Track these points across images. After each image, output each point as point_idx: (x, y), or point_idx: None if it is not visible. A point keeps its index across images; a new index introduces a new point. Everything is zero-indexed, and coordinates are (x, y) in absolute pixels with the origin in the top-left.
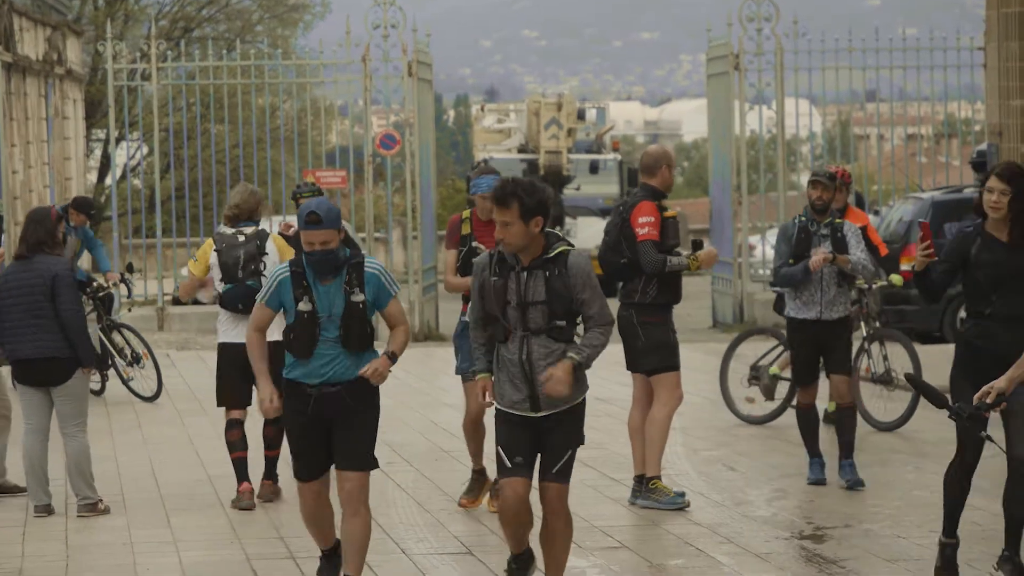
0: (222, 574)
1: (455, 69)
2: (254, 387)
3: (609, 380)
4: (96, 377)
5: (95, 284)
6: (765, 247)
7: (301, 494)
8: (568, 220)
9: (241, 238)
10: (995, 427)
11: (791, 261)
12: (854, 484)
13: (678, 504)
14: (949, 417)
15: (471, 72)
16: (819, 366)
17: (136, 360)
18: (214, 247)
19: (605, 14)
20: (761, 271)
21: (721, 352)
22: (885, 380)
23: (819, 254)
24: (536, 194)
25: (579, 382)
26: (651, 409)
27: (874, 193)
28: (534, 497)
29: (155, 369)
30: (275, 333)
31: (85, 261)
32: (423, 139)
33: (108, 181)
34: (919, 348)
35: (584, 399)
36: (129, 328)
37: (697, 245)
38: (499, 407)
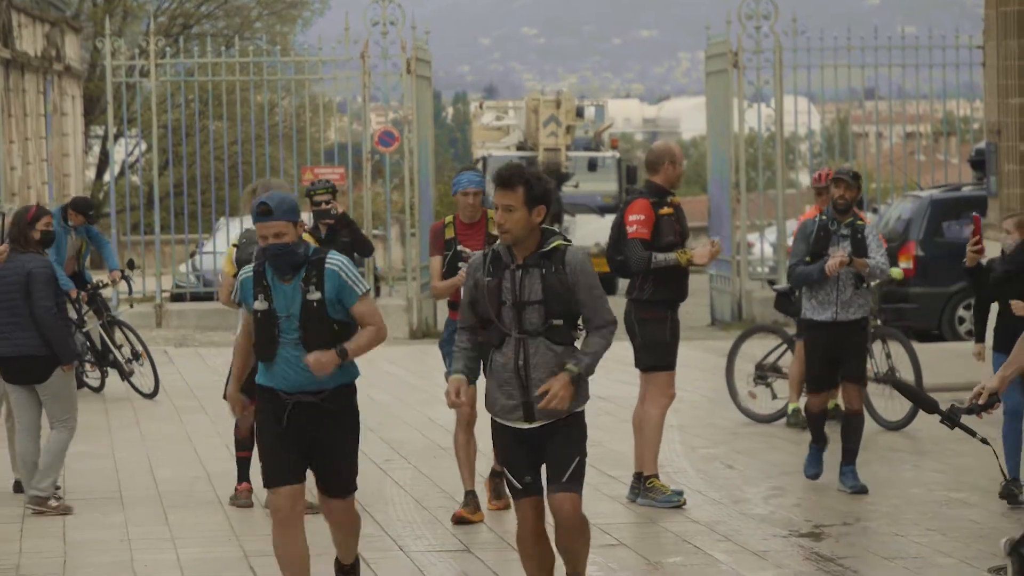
0: (220, 571)
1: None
2: None
3: (608, 378)
4: (96, 374)
5: (96, 282)
6: (764, 245)
7: (273, 503)
8: (567, 217)
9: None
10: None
11: (808, 260)
12: (857, 491)
13: (674, 502)
14: (941, 422)
15: (470, 69)
16: (834, 371)
17: (136, 356)
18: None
19: (604, 12)
20: (760, 269)
21: (719, 349)
22: (889, 379)
23: (835, 258)
24: (543, 182)
25: (579, 392)
26: (644, 407)
27: (873, 191)
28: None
29: (151, 367)
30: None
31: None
32: (422, 136)
33: (107, 178)
34: (918, 347)
35: (584, 411)
36: (126, 325)
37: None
38: (493, 417)
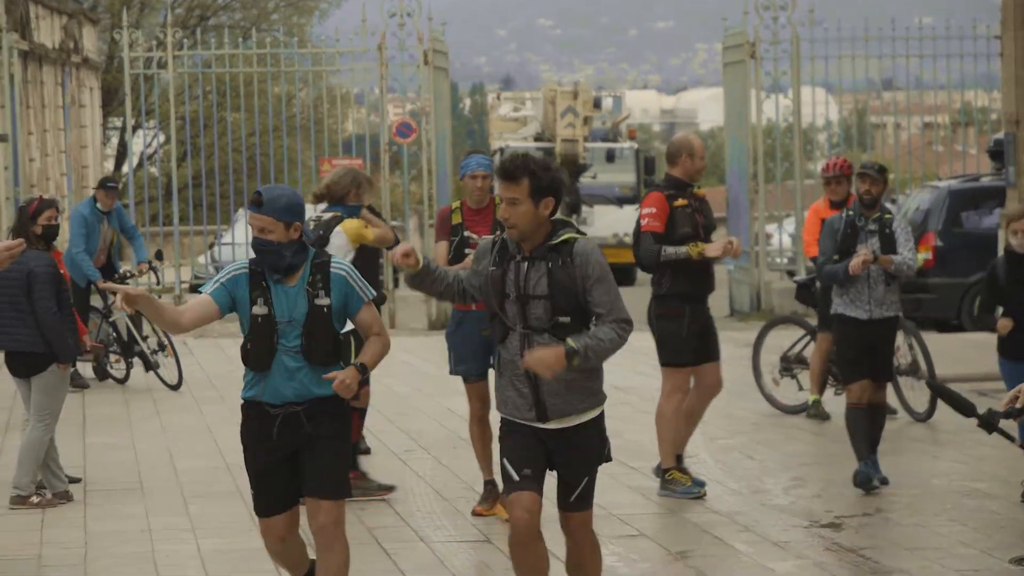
0: (240, 562)
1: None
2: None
3: (628, 369)
4: (121, 365)
5: (123, 272)
6: (782, 235)
7: (265, 534)
8: (584, 208)
9: (311, 224)
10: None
11: (835, 257)
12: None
13: (694, 493)
14: (979, 425)
15: (487, 61)
16: (867, 364)
17: (161, 348)
18: None
19: (620, 3)
20: (778, 259)
21: (738, 340)
22: (912, 371)
23: (859, 257)
24: (550, 172)
25: (590, 391)
26: (659, 402)
27: (891, 182)
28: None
29: (175, 358)
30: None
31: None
32: (439, 127)
33: (125, 169)
34: (937, 337)
35: (601, 414)
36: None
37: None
38: (503, 416)
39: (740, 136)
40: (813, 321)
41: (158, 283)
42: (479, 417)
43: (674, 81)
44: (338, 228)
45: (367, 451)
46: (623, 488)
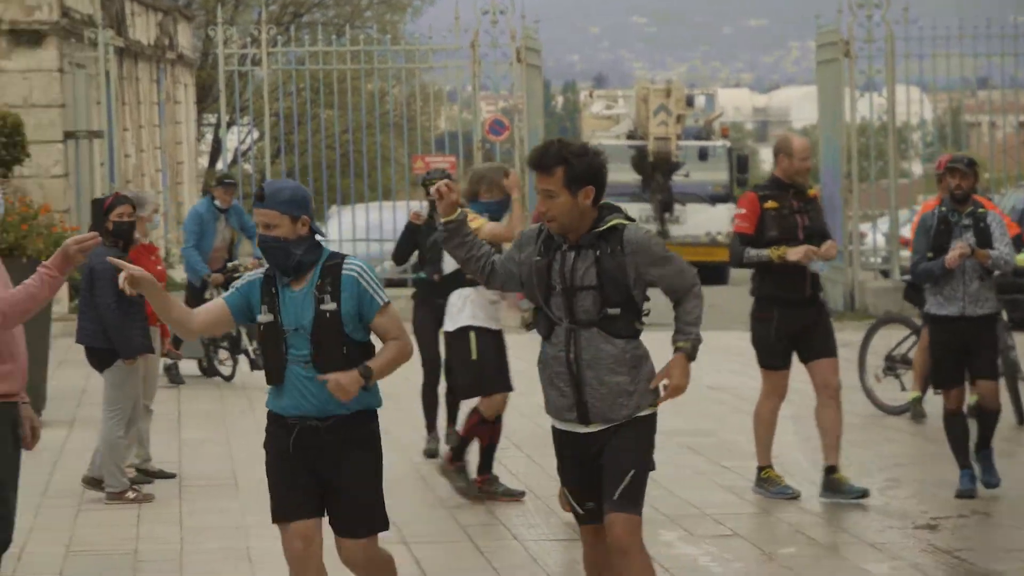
0: (329, 557)
1: (563, 55)
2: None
3: (720, 368)
4: (229, 362)
5: (232, 265)
6: (876, 235)
7: (284, 542)
8: (677, 207)
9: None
10: None
11: (929, 255)
12: (991, 485)
13: (788, 494)
14: None
15: (579, 59)
16: (961, 367)
17: None
18: None
19: (713, 1)
20: (872, 259)
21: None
22: (1012, 372)
23: (956, 249)
24: (586, 157)
25: (636, 393)
26: (757, 403)
27: (986, 181)
28: None
29: None
30: (466, 318)
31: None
32: (532, 125)
33: (219, 165)
34: None
35: (653, 415)
36: None
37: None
38: (551, 422)
39: (834, 135)
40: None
41: None
42: None
43: (767, 79)
44: None
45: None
46: (716, 487)
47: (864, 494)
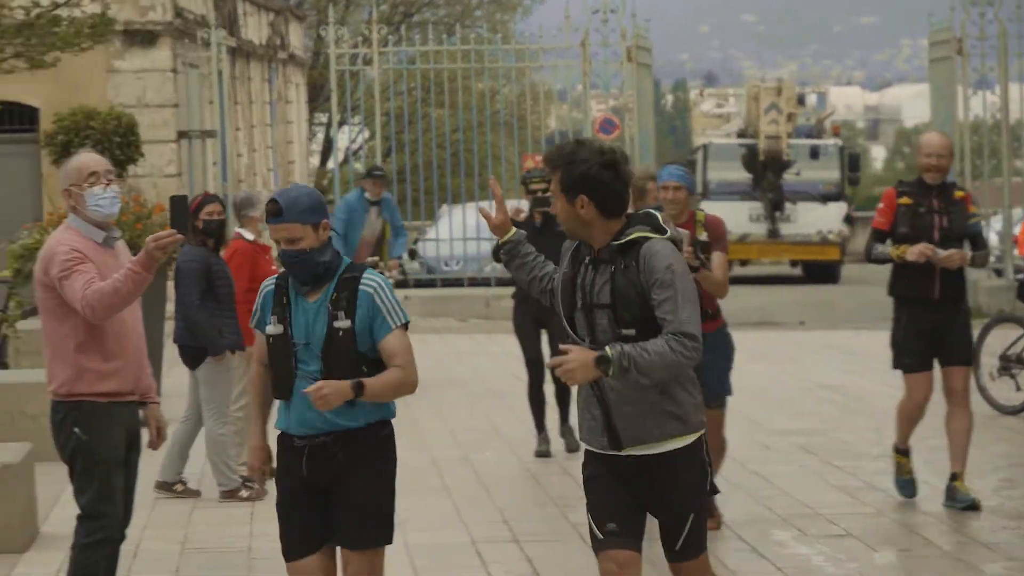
0: (447, 557)
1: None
2: None
3: (836, 368)
4: None
5: (371, 263)
6: (990, 233)
7: None
8: (788, 205)
9: None
10: None
11: None
12: None
13: (905, 491)
14: None
15: (689, 57)
16: None
17: None
18: None
19: None
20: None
21: None
22: None
23: None
24: (577, 166)
25: (670, 416)
26: None
27: None
28: None
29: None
30: None
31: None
32: (642, 124)
33: (330, 164)
34: None
35: (697, 444)
36: None
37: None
38: (585, 446)
39: (947, 133)
40: None
41: (404, 281)
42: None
43: (878, 77)
44: None
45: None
46: (829, 487)
47: (973, 506)
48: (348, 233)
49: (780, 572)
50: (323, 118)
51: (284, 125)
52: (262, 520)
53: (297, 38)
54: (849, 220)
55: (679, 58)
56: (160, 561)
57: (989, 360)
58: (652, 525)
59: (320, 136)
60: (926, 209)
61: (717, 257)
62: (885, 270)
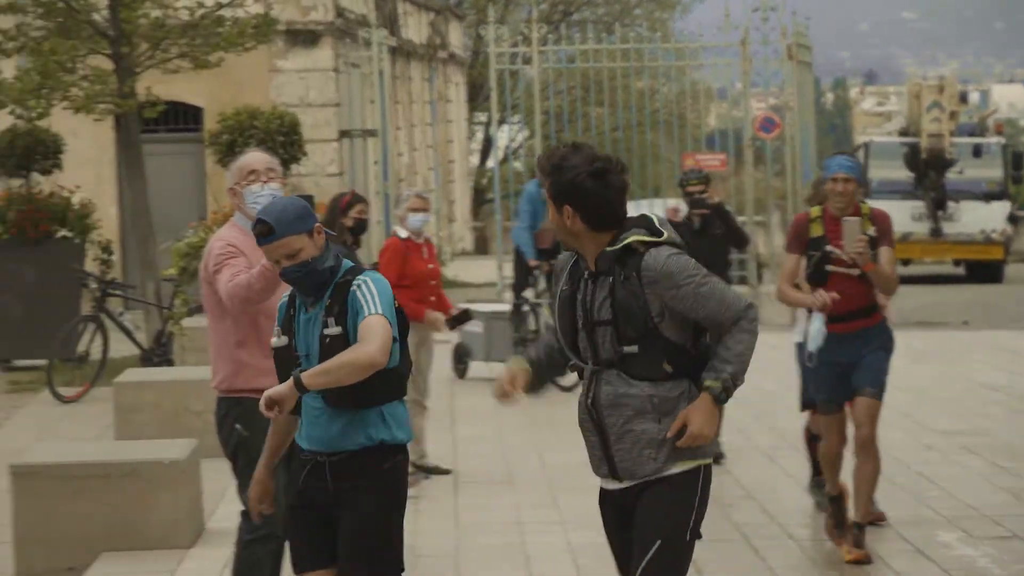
0: (608, 556)
1: (833, 52)
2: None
3: (999, 368)
4: None
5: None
6: None
7: None
8: (951, 204)
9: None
10: None
11: None
12: None
13: None
14: None
15: (849, 55)
16: None
17: None
18: None
19: None
20: None
21: None
22: None
23: None
24: (564, 174)
25: (669, 444)
26: None
27: None
28: None
29: None
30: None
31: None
32: (803, 122)
33: (489, 163)
34: None
35: (698, 469)
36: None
37: None
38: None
39: None
40: None
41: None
42: (835, 451)
43: None
44: None
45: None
46: (994, 488)
47: None
48: (534, 222)
49: (946, 574)
50: (482, 117)
51: (444, 124)
52: (425, 518)
53: (457, 37)
54: (1013, 219)
55: (839, 56)
56: None
57: None
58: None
59: (480, 135)
60: None
61: (885, 252)
62: None
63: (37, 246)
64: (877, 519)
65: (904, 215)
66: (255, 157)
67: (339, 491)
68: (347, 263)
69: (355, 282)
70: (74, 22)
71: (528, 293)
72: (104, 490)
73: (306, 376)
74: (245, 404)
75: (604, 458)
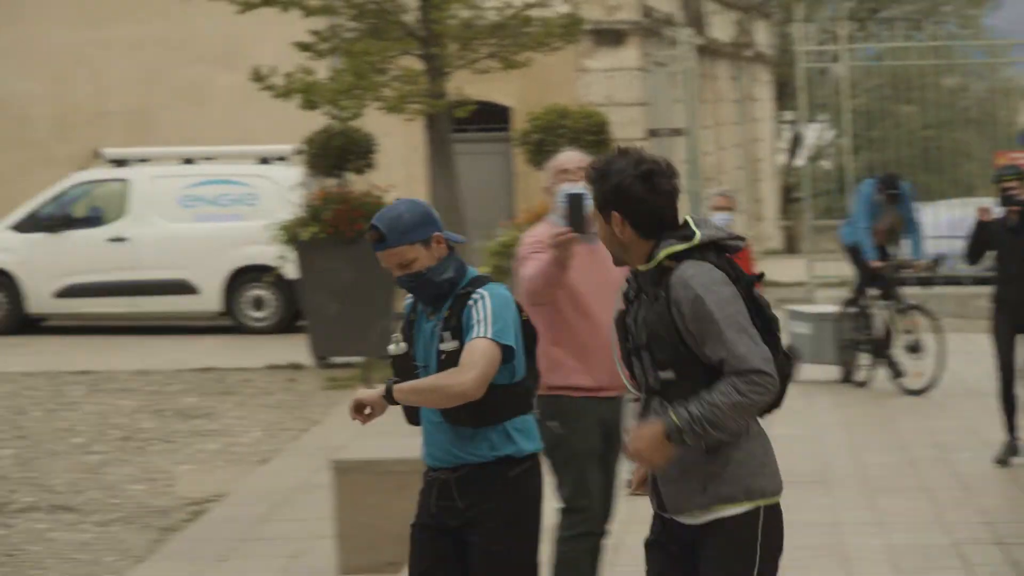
0: (927, 558)
1: None
2: None
3: None
4: (868, 366)
5: (899, 261)
6: None
7: None
8: None
9: None
10: None
11: None
12: None
13: None
14: None
15: None
16: None
17: (916, 348)
18: None
19: None
20: None
21: None
22: None
23: None
24: (610, 179)
25: (720, 480)
26: None
27: None
28: None
29: (937, 359)
30: None
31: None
32: None
33: (798, 163)
34: None
35: (759, 511)
36: (922, 310)
37: None
38: None
39: None
40: None
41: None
42: None
43: None
44: None
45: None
46: None
47: None
48: (870, 223)
49: None
50: (790, 116)
51: (751, 123)
52: None
53: (764, 36)
54: None
55: None
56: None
57: None
58: None
59: (787, 134)
60: None
61: None
62: None
63: (352, 244)
64: None
65: None
66: (567, 156)
67: (468, 509)
68: (472, 272)
69: (473, 296)
70: (385, 23)
71: (870, 294)
72: None
73: (398, 389)
74: (560, 402)
75: (654, 491)
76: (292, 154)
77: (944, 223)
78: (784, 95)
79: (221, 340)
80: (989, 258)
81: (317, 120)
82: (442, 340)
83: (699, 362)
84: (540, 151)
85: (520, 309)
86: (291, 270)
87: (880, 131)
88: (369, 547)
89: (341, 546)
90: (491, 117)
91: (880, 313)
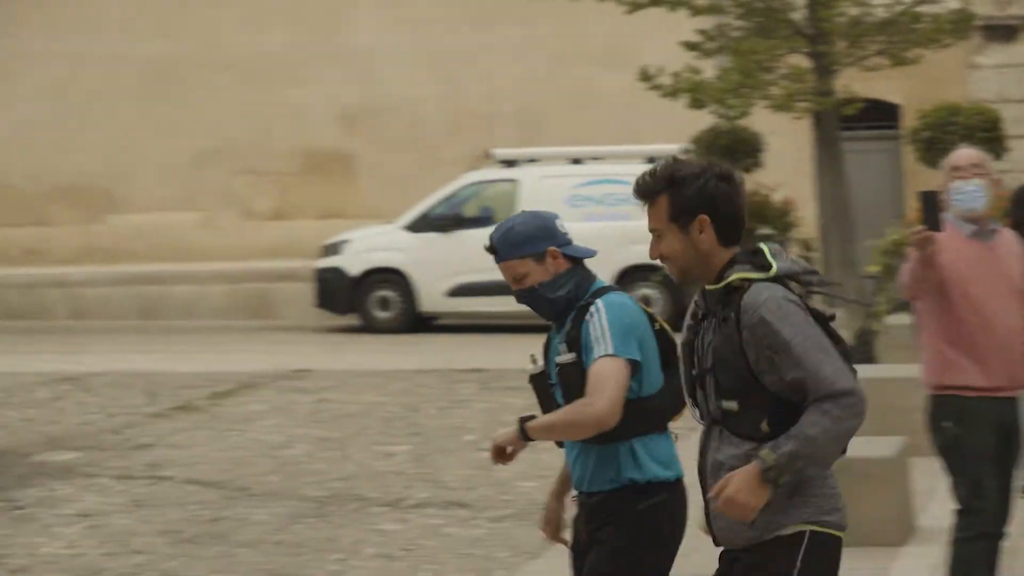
0: None
1: None
2: None
3: None
4: None
5: None
6: None
7: None
8: None
9: None
10: None
11: None
12: None
13: None
14: None
15: None
16: None
17: None
18: None
19: None
20: None
21: None
22: None
23: None
24: (690, 184)
25: (772, 509)
26: None
27: None
28: None
29: None
30: None
31: None
32: None
33: None
34: None
35: (804, 534)
36: None
37: None
38: None
39: None
40: None
41: None
42: None
43: None
44: None
45: None
46: None
47: None
48: None
49: None
50: None
51: None
52: None
53: None
54: None
55: None
56: None
57: None
58: None
59: None
60: None
61: None
62: None
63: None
64: None
65: None
66: (961, 154)
67: (590, 534)
68: (600, 283)
69: (590, 309)
70: (773, 22)
71: None
72: None
73: (531, 427)
74: (954, 402)
75: (707, 523)
76: (679, 153)
77: None
78: None
79: None
80: None
81: (704, 119)
82: (559, 353)
83: (766, 392)
84: (931, 149)
85: (652, 319)
86: None
87: None
88: None
89: None
90: (879, 115)
91: None
